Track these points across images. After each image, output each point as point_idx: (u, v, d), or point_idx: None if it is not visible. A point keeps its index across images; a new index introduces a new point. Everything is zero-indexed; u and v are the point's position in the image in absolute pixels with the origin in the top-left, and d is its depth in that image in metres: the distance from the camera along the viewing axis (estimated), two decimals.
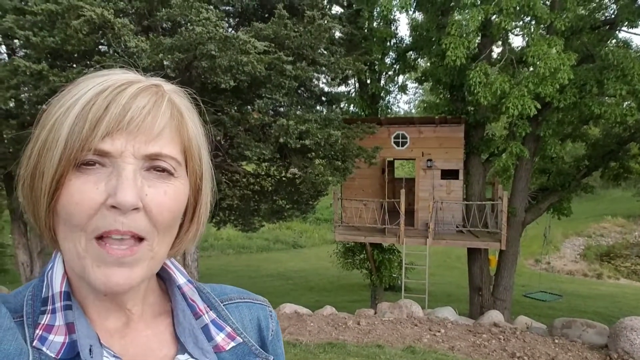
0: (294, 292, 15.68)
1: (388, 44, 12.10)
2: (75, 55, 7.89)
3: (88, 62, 8.25)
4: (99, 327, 0.59)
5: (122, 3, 7.03)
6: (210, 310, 0.68)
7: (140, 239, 0.55)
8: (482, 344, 5.79)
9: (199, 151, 0.61)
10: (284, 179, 10.54)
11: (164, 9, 6.77)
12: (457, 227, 11.19)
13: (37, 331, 0.55)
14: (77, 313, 0.56)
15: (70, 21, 6.36)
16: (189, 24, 6.63)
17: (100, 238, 0.53)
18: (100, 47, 7.83)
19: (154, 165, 0.55)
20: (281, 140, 7.66)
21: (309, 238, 27.56)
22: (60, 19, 6.52)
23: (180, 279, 0.68)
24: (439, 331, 6.13)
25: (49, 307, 0.57)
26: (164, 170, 0.56)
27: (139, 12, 7.68)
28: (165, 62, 6.82)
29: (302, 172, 9.21)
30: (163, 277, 0.69)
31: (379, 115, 12.58)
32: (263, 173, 10.58)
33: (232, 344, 0.66)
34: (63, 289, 0.57)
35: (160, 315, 0.66)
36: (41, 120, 0.56)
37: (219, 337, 0.65)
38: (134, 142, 0.54)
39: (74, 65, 7.96)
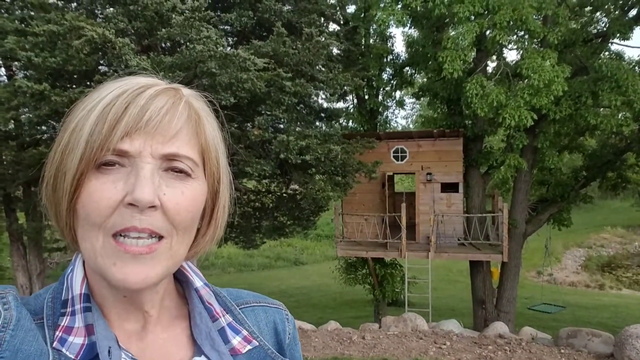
0: (296, 310, 15.54)
1: (385, 60, 12.26)
2: (76, 75, 7.97)
3: (89, 82, 8.34)
4: (117, 329, 0.59)
5: (122, 24, 7.13)
6: (227, 313, 0.68)
7: (159, 237, 0.55)
8: (488, 355, 5.75)
9: (216, 154, 0.62)
10: (284, 195, 10.56)
11: (164, 29, 6.88)
12: (458, 240, 11.18)
13: (57, 333, 0.56)
14: (97, 315, 0.57)
15: (71, 41, 6.45)
16: (189, 42, 6.73)
17: (118, 236, 0.54)
18: (100, 67, 7.92)
19: (172, 166, 0.56)
20: (282, 156, 7.70)
21: (310, 255, 27.42)
22: (61, 39, 6.61)
23: (198, 282, 0.68)
24: (444, 344, 6.09)
25: (69, 309, 0.58)
26: (181, 171, 0.57)
27: (139, 32, 7.78)
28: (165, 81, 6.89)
29: (302, 187, 9.23)
30: (180, 280, 0.69)
31: (378, 130, 12.68)
32: (264, 190, 10.60)
33: (249, 347, 0.66)
34: (83, 291, 0.58)
35: (178, 318, 0.66)
36: (65, 123, 0.58)
37: (236, 340, 0.66)
38: (152, 142, 0.55)
39: (75, 86, 8.05)
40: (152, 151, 0.55)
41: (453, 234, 11.15)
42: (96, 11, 8.20)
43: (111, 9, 7.71)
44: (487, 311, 11.17)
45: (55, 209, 0.58)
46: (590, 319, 13.64)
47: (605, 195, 20.57)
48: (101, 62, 7.48)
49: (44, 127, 8.76)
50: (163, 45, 8.60)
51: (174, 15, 6.56)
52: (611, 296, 19.82)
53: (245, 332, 0.68)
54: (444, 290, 18.13)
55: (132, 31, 7.68)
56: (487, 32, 9.33)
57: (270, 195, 10.36)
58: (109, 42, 6.27)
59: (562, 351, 5.88)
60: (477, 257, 10.64)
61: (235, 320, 0.68)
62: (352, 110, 13.28)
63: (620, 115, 10.01)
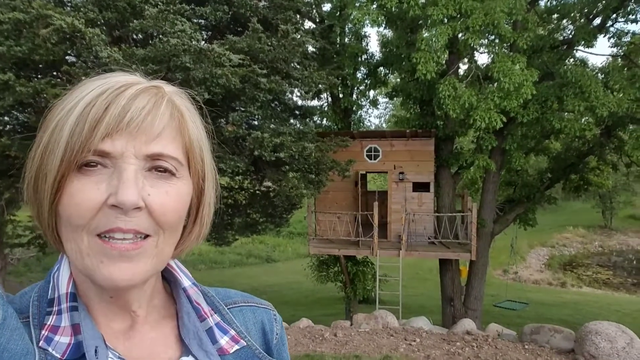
0: None
1: (359, 59, 12.34)
2: (42, 65, 7.71)
3: (56, 73, 8.08)
4: (104, 328, 0.59)
5: (92, 13, 6.94)
6: (215, 313, 0.68)
7: (145, 236, 0.55)
8: (456, 352, 5.88)
9: (200, 152, 0.62)
10: (257, 192, 10.51)
11: (136, 20, 6.73)
12: (428, 238, 11.38)
13: (43, 332, 0.55)
14: (83, 314, 0.57)
15: (38, 30, 6.24)
16: (162, 35, 6.61)
17: (103, 236, 0.53)
18: (68, 57, 7.68)
19: (156, 166, 0.56)
20: (256, 153, 7.66)
21: (282, 252, 27.36)
22: (27, 28, 6.38)
23: (186, 281, 0.68)
24: (414, 340, 6.20)
25: (55, 309, 0.57)
26: (165, 170, 0.56)
27: (109, 23, 7.59)
28: (137, 74, 6.75)
29: (276, 185, 9.21)
30: (168, 280, 0.69)
31: (352, 129, 12.75)
32: (237, 186, 10.52)
33: (236, 347, 0.66)
34: (69, 290, 0.58)
35: (165, 317, 0.66)
36: (44, 123, 0.57)
37: (223, 340, 0.66)
38: (135, 143, 0.54)
39: (40, 76, 7.78)
40: (135, 151, 0.54)
41: (424, 233, 11.33)
42: None
43: None
44: (455, 308, 11.42)
45: (38, 210, 0.57)
46: (552, 315, 14.13)
47: (568, 196, 21.34)
48: (69, 52, 7.25)
49: (6, 118, 8.45)
50: (135, 37, 8.42)
51: (147, 7, 6.43)
52: (572, 294, 20.57)
53: (233, 332, 0.68)
54: (414, 288, 18.42)
55: (103, 21, 7.49)
56: (460, 35, 9.52)
57: (243, 192, 10.29)
58: (79, 32, 6.10)
59: (526, 347, 6.08)
60: (446, 255, 10.86)
61: (223, 320, 0.68)
62: (326, 109, 13.32)
63: (583, 120, 10.38)
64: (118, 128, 0.53)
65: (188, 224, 0.63)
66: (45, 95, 6.42)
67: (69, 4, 7.90)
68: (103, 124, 0.52)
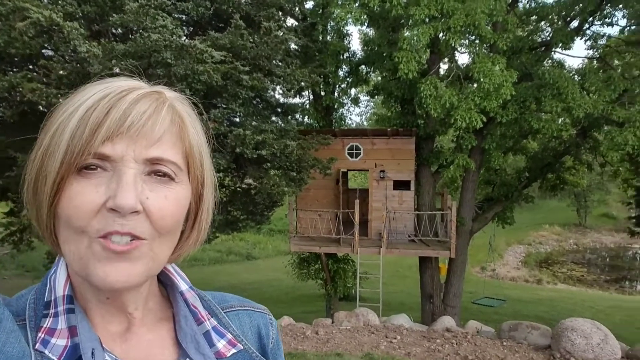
0: None
1: (341, 57, 12.35)
2: (18, 58, 7.52)
3: (32, 67, 7.88)
4: (101, 330, 0.59)
5: (70, 7, 6.78)
6: (212, 317, 0.68)
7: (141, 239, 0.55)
8: (436, 348, 5.97)
9: (200, 157, 0.62)
10: (239, 189, 10.44)
11: (116, 15, 6.60)
12: (409, 236, 11.49)
13: (39, 334, 0.55)
14: (80, 316, 0.57)
15: (14, 23, 6.07)
16: (143, 30, 6.50)
17: (101, 238, 0.53)
18: (45, 51, 7.50)
19: (155, 170, 0.56)
20: (237, 150, 7.61)
21: (262, 249, 27.28)
22: (3, 20, 6.20)
23: (183, 285, 0.68)
24: (395, 338, 6.26)
25: (52, 311, 0.57)
26: (164, 174, 0.56)
27: (88, 17, 7.43)
28: (116, 70, 6.63)
29: (257, 182, 9.17)
30: (165, 283, 0.69)
31: (333, 127, 12.77)
32: (218, 184, 10.41)
33: (233, 350, 0.67)
34: (66, 293, 0.58)
35: (162, 320, 0.66)
36: (45, 126, 0.57)
37: (220, 344, 0.66)
38: (135, 147, 0.54)
39: (16, 69, 7.58)
40: (134, 155, 0.54)
41: (404, 231, 11.44)
42: None
43: None
44: (435, 305, 11.56)
45: (37, 212, 0.57)
46: (529, 312, 14.43)
47: (545, 195, 21.78)
48: (46, 46, 7.08)
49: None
50: (114, 31, 8.26)
51: (127, 1, 6.31)
52: (548, 290, 21.05)
53: (230, 336, 0.68)
54: (394, 285, 18.59)
55: (81, 15, 7.33)
56: (441, 35, 9.62)
57: (224, 189, 10.21)
58: (56, 25, 5.96)
59: (505, 343, 6.20)
60: (426, 253, 10.98)
61: (220, 324, 0.68)
62: (308, 106, 13.30)
63: (560, 120, 10.61)
64: (119, 132, 0.53)
65: (186, 229, 0.63)
66: (20, 89, 6.25)
67: None
68: (104, 128, 0.53)
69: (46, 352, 0.54)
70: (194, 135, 0.61)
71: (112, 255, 0.53)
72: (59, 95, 6.24)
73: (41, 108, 6.85)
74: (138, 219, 0.54)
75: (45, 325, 0.56)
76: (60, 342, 0.55)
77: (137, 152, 0.54)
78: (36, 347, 0.54)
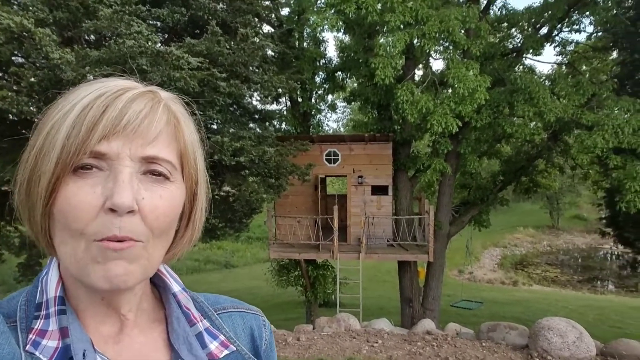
0: None
1: (318, 63, 12.42)
2: None
3: (1, 74, 7.67)
4: (93, 332, 0.59)
5: (42, 13, 6.64)
6: (204, 318, 0.69)
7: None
8: (417, 351, 6.00)
9: (194, 157, 0.63)
10: (216, 197, 10.34)
11: (89, 21, 6.49)
12: (387, 241, 11.56)
13: (30, 336, 0.55)
14: (71, 318, 0.56)
15: None
16: (117, 37, 6.40)
17: (98, 241, 0.54)
18: (15, 58, 7.31)
19: (150, 169, 0.56)
20: (215, 157, 7.54)
21: (241, 257, 27.05)
22: None
23: (176, 286, 0.68)
24: (376, 342, 6.27)
25: (43, 312, 0.57)
26: (160, 174, 0.57)
27: (60, 23, 7.28)
28: (90, 77, 6.52)
29: (236, 189, 9.10)
30: (157, 285, 0.69)
31: (311, 133, 12.80)
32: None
33: (226, 352, 0.67)
34: (58, 294, 0.57)
35: (155, 321, 0.66)
36: (38, 126, 0.57)
37: (213, 345, 0.66)
38: (131, 145, 0.54)
39: None
40: (130, 154, 0.54)
41: (383, 236, 11.51)
42: None
43: None
44: (414, 309, 11.64)
45: (29, 213, 0.57)
46: (506, 313, 14.68)
47: (518, 198, 22.28)
48: (17, 52, 6.90)
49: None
50: (87, 37, 8.12)
51: (101, 7, 6.22)
52: (523, 292, 21.45)
53: (222, 337, 0.68)
54: (373, 290, 18.65)
55: (53, 21, 7.18)
56: (416, 42, 9.78)
57: None
58: (27, 31, 5.82)
59: (484, 344, 6.28)
60: (405, 257, 11.06)
61: (213, 326, 0.69)
62: (285, 113, 13.31)
63: (532, 124, 10.87)
64: (115, 130, 0.53)
65: (180, 228, 0.64)
66: None
67: (16, 3, 7.53)
68: (100, 126, 0.53)
69: (37, 353, 0.54)
70: (189, 135, 0.62)
71: (111, 254, 0.53)
72: (30, 103, 6.09)
73: (11, 116, 6.67)
74: (134, 220, 0.54)
75: (36, 327, 0.56)
76: (51, 343, 0.55)
77: (133, 150, 0.54)
78: (27, 348, 0.54)
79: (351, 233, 11.63)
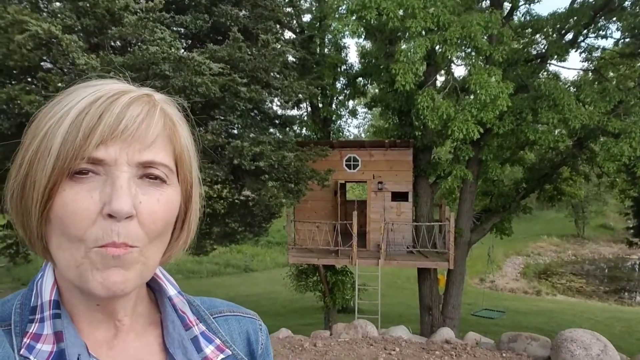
0: None
1: (339, 69, 12.44)
2: (17, 71, 7.54)
3: (30, 79, 7.91)
4: (87, 337, 0.58)
5: (70, 20, 6.83)
6: (200, 322, 0.68)
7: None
8: None
9: (189, 159, 0.62)
10: (236, 201, 10.43)
11: (115, 27, 6.65)
12: (407, 247, 11.46)
13: (24, 340, 0.55)
14: (66, 322, 0.56)
15: (13, 36, 6.11)
16: (141, 43, 6.55)
17: (97, 247, 0.53)
18: (44, 63, 7.54)
19: (147, 173, 0.56)
20: (235, 161, 7.62)
21: (260, 261, 27.14)
22: (2, 33, 6.25)
23: (171, 290, 0.68)
24: (394, 350, 6.20)
25: (38, 316, 0.56)
26: (156, 177, 0.56)
27: (87, 30, 7.48)
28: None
29: (255, 194, 9.16)
30: (153, 288, 0.69)
31: (331, 139, 12.82)
32: (215, 195, 10.42)
33: (222, 356, 0.66)
34: (53, 298, 0.57)
35: (150, 325, 0.66)
36: (31, 129, 0.56)
37: (208, 350, 0.65)
38: (128, 150, 0.54)
39: (14, 82, 7.61)
40: (128, 159, 0.54)
41: (402, 242, 11.41)
42: (41, 5, 7.80)
43: (58, 3, 7.36)
44: (434, 317, 11.49)
45: (23, 218, 0.56)
46: (528, 323, 14.35)
47: (542, 206, 21.85)
48: (45, 58, 7.12)
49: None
50: (113, 44, 8.31)
51: (126, 15, 6.37)
52: (547, 302, 20.95)
53: (218, 341, 0.67)
54: (392, 296, 18.49)
55: (80, 28, 7.38)
56: (437, 48, 9.71)
57: (222, 201, 10.20)
58: (55, 38, 6.00)
59: (504, 355, 6.15)
60: (425, 264, 10.94)
61: (209, 329, 0.68)
62: (305, 118, 13.36)
63: (556, 131, 10.67)
64: (112, 136, 0.53)
65: (175, 230, 0.63)
66: (19, 101, 6.27)
67: (46, 10, 7.77)
68: (97, 132, 0.52)
69: (31, 357, 0.54)
70: (184, 138, 0.62)
71: (110, 261, 0.53)
72: None
73: None
74: (131, 225, 0.53)
75: (30, 331, 0.56)
76: (45, 347, 0.55)
77: (130, 155, 0.54)
78: (21, 352, 0.54)
79: (370, 239, 11.57)
